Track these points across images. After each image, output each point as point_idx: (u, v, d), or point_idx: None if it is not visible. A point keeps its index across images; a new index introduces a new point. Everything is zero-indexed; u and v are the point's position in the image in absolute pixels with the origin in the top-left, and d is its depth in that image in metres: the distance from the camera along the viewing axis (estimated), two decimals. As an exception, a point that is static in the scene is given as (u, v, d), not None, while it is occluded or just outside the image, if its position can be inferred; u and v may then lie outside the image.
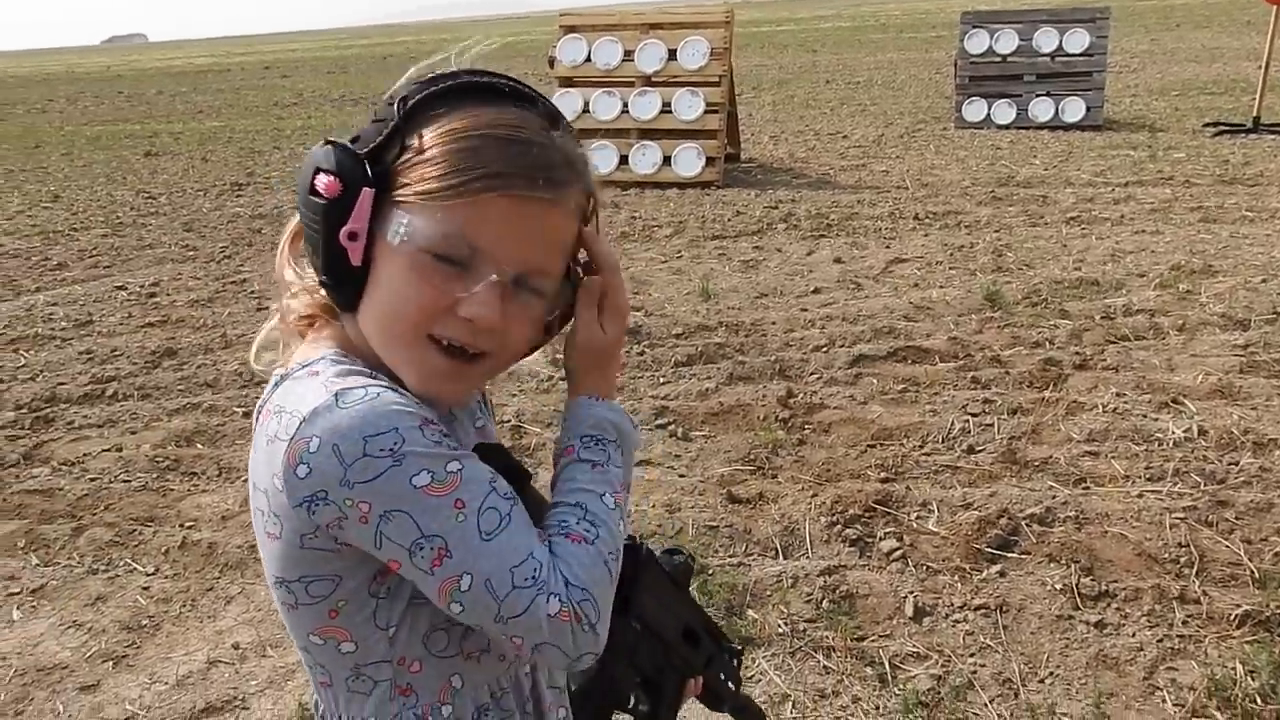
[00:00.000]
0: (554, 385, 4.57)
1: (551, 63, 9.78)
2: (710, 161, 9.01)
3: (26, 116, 22.10)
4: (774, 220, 7.56)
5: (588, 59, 9.49)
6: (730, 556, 3.14)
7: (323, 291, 1.01)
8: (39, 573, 3.29)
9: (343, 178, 0.93)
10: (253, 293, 6.37)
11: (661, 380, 4.56)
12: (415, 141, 0.94)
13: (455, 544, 0.90)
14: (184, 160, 12.89)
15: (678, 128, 9.12)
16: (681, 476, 3.65)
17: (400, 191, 0.94)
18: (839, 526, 3.24)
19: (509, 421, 4.14)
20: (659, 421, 4.09)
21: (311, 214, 0.95)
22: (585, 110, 9.36)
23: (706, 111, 9.08)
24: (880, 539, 3.19)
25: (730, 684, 1.43)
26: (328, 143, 0.95)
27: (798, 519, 3.30)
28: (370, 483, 0.89)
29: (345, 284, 0.97)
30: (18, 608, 3.12)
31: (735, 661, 1.44)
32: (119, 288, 6.70)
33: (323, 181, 0.93)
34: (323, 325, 1.03)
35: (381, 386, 0.94)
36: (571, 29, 9.64)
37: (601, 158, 9.17)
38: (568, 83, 9.62)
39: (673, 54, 9.21)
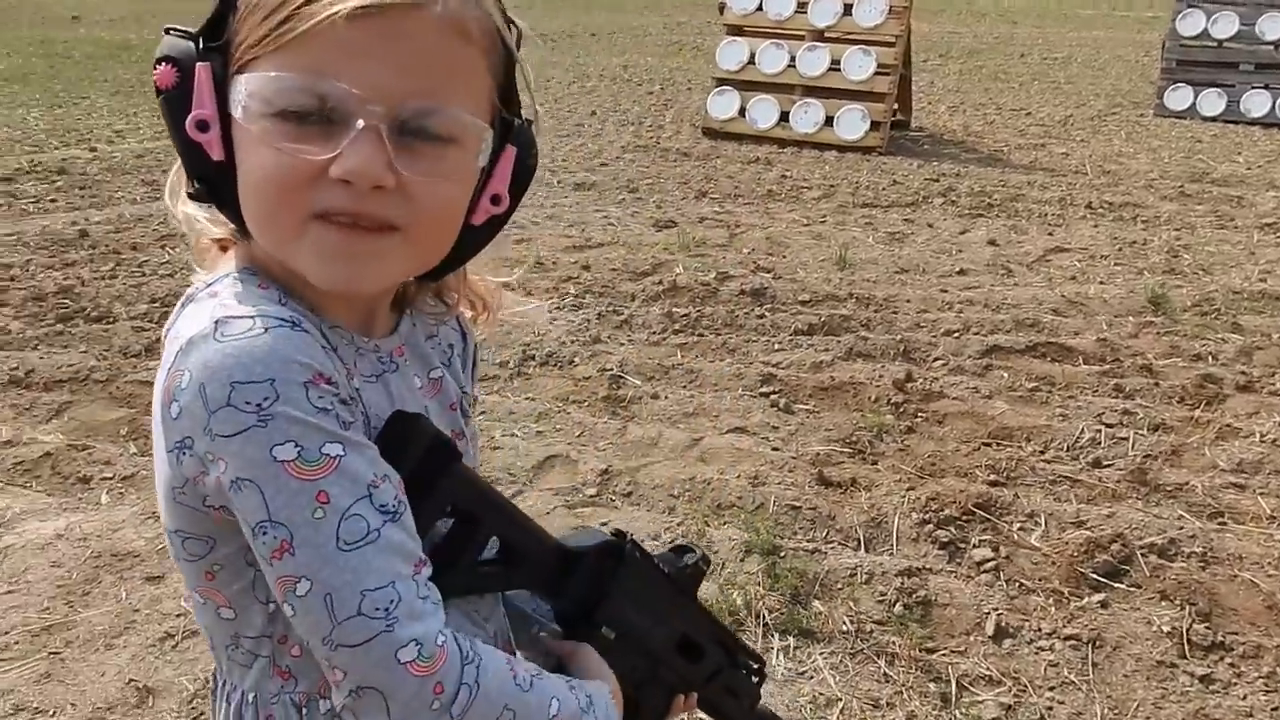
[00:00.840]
0: (665, 338, 4.42)
1: (721, 9, 9.51)
2: (875, 126, 8.60)
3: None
4: (931, 194, 7.15)
5: (759, 8, 9.18)
6: (807, 541, 2.94)
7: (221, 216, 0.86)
8: (133, 461, 3.37)
9: (176, 62, 0.79)
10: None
11: (776, 347, 4.35)
12: None
13: (303, 541, 0.76)
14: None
15: (845, 87, 8.73)
16: (775, 450, 3.45)
17: (238, 58, 0.79)
18: (931, 526, 3.00)
19: (610, 370, 4.01)
20: (763, 389, 3.90)
21: (165, 119, 0.81)
22: (750, 61, 9.08)
23: (877, 73, 8.66)
24: (974, 545, 2.93)
25: (741, 701, 1.26)
26: (165, 31, 0.81)
27: (888, 511, 3.07)
28: (229, 439, 0.75)
29: (218, 188, 0.82)
30: (107, 492, 3.21)
31: (755, 678, 1.27)
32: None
33: (158, 72, 0.80)
34: (235, 245, 0.89)
35: (279, 320, 0.79)
36: (747, -24, 9.33)
37: (760, 112, 8.89)
38: (736, 31, 9.34)
39: (848, 9, 8.80)
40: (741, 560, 2.83)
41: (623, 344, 4.36)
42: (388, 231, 0.80)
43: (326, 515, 0.76)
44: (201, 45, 0.80)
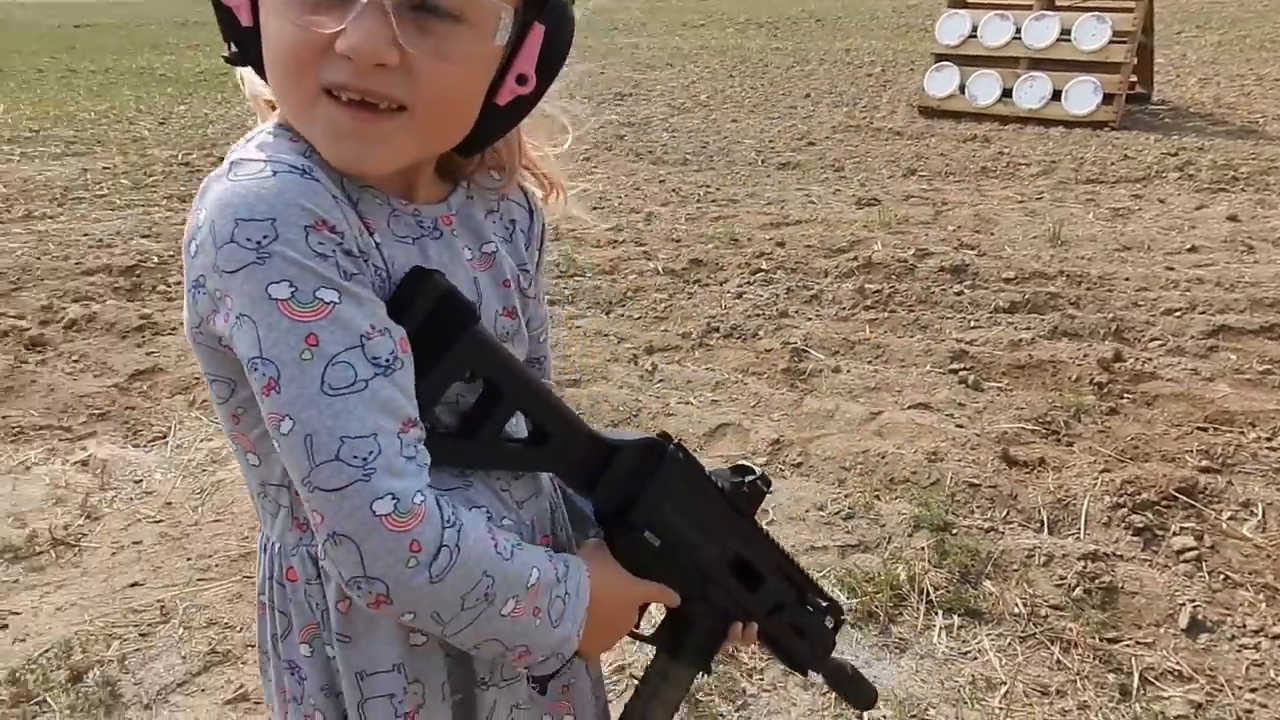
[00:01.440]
0: (854, 314, 4.29)
1: (945, -17, 9.13)
2: (1108, 99, 8.00)
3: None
4: (1166, 169, 6.59)
5: (985, -23, 8.74)
6: (983, 520, 2.78)
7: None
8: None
9: None
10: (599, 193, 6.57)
11: (972, 324, 4.13)
12: None
13: (289, 380, 0.77)
14: (584, 68, 13.56)
15: (1075, 58, 8.18)
16: (959, 427, 3.28)
17: None
18: (1125, 510, 2.76)
19: (793, 344, 3.94)
20: (953, 366, 3.71)
21: None
22: (972, 34, 8.67)
23: (1112, 41, 8.06)
24: (1174, 533, 2.68)
25: (812, 645, 1.19)
26: None
27: (1077, 494, 2.86)
28: (232, 274, 0.78)
29: (248, 52, 0.85)
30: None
31: (831, 622, 1.20)
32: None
33: None
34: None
35: (289, 166, 0.80)
36: (972, -55, 8.90)
37: (981, 87, 8.48)
38: (959, 3, 8.94)
39: (1083, -26, 8.25)
40: (910, 535, 2.71)
41: (809, 319, 4.27)
42: (395, 113, 0.81)
43: (313, 358, 0.77)
44: None
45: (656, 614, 1.11)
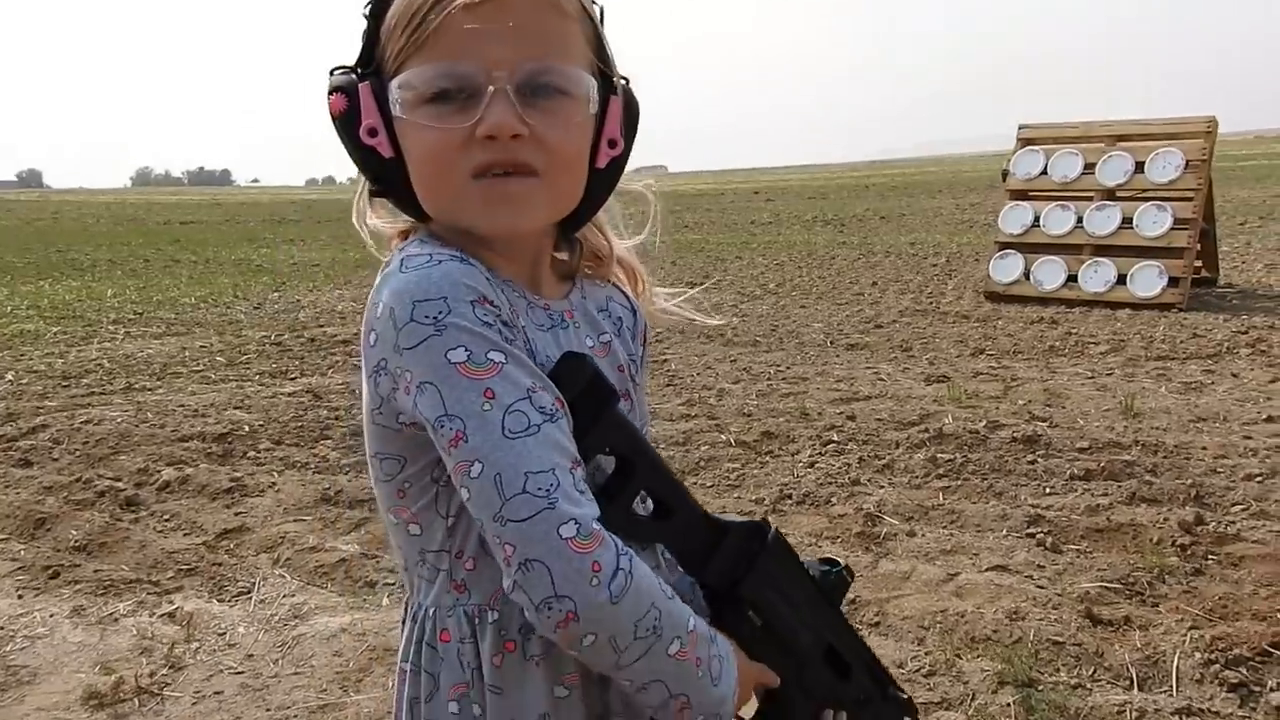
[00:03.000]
0: (927, 482, 4.30)
1: (1004, 176, 9.46)
2: (1174, 282, 8.10)
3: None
4: (1237, 345, 6.60)
5: (1044, 172, 9.06)
6: (1070, 677, 2.71)
7: (400, 216, 1.05)
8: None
9: (343, 89, 0.98)
10: (669, 372, 6.74)
11: (1047, 491, 4.11)
12: (384, 24, 0.97)
13: (475, 429, 0.89)
14: (656, 262, 14.05)
15: (1138, 244, 8.35)
16: (1039, 588, 3.23)
17: (389, 70, 0.97)
18: (1218, 666, 2.67)
19: (866, 510, 3.95)
20: (1030, 530, 3.68)
21: (341, 139, 1.00)
22: (1035, 224, 8.91)
23: (1174, 228, 8.22)
24: (1271, 689, 2.58)
25: None
26: (330, 72, 1.01)
27: (1166, 650, 2.78)
28: (413, 349, 0.91)
29: (393, 182, 1.00)
30: (388, 595, 3.49)
31: (906, 718, 1.22)
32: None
33: (330, 102, 0.99)
34: (415, 229, 1.06)
35: (450, 255, 0.95)
36: (1029, 141, 9.27)
37: (1046, 273, 8.64)
38: (1020, 195, 9.24)
39: (1140, 167, 8.51)
40: (994, 692, 2.65)
41: (882, 486, 4.28)
42: (531, 175, 0.96)
43: (493, 408, 0.89)
44: (360, 72, 1.00)
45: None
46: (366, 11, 1.00)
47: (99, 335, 8.38)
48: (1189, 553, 3.42)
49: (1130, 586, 3.22)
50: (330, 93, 1.00)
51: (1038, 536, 3.62)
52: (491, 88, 0.93)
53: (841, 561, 1.15)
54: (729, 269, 12.93)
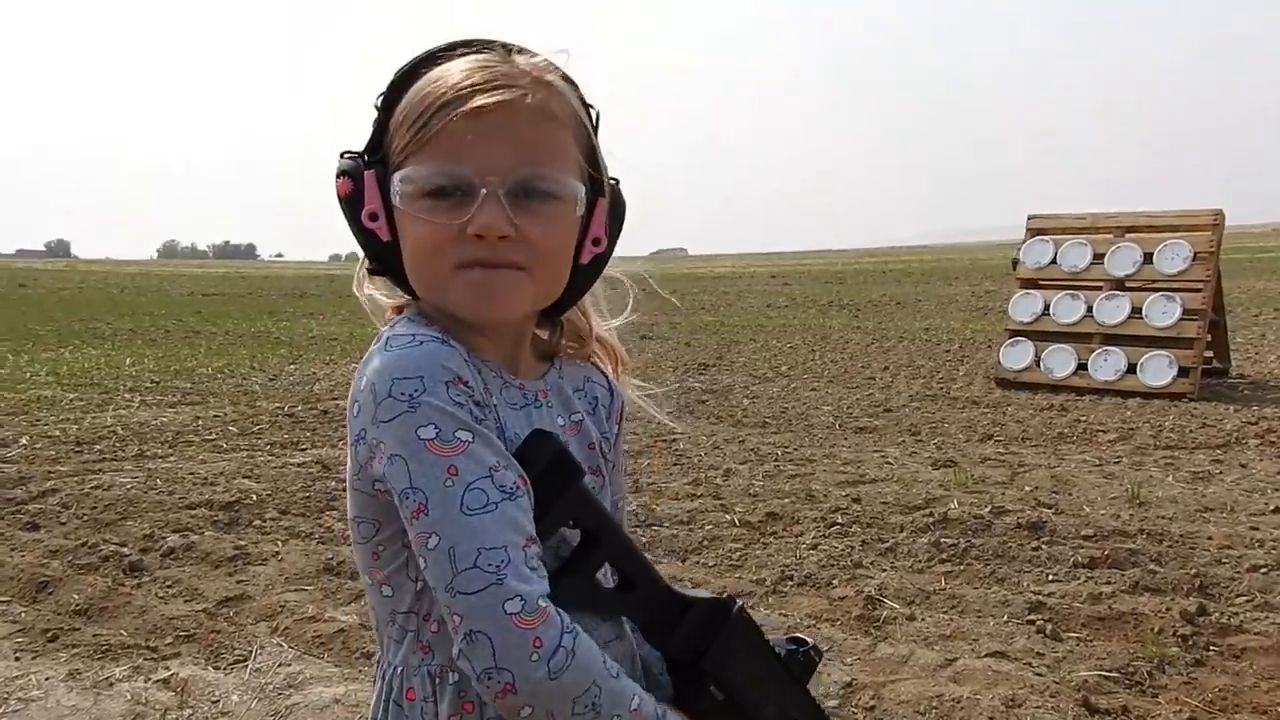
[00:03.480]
0: (929, 566, 4.28)
1: (1014, 264, 9.55)
2: (1184, 372, 8.11)
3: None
4: (1247, 436, 6.58)
5: (1053, 261, 9.14)
6: (1064, 767, 2.68)
7: (397, 291, 1.11)
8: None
9: (350, 174, 1.06)
10: (676, 451, 6.76)
11: (1050, 578, 4.08)
12: (393, 118, 1.04)
13: (435, 504, 0.94)
14: (670, 343, 14.17)
15: (1148, 334, 8.38)
16: (1038, 675, 3.20)
17: (393, 162, 1.04)
18: (1215, 762, 2.64)
19: (867, 593, 3.93)
20: (1030, 617, 3.65)
21: (346, 219, 1.07)
22: (1045, 312, 8.97)
23: (1183, 318, 8.26)
24: (1269, 788, 2.54)
25: None
26: (340, 155, 1.08)
27: (1163, 743, 2.74)
28: (389, 423, 0.96)
29: (389, 263, 1.07)
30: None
31: None
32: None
33: (337, 184, 1.06)
34: (407, 307, 1.12)
35: (432, 337, 1.01)
36: (1039, 231, 9.38)
37: (1056, 361, 8.67)
38: (1030, 284, 9.32)
39: (1148, 257, 8.58)
40: (987, 780, 2.61)
41: (884, 570, 4.26)
42: (515, 270, 1.02)
43: (455, 485, 0.94)
44: (366, 159, 1.07)
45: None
46: (379, 104, 1.07)
47: (114, 403, 8.47)
48: (1190, 643, 3.39)
49: (1130, 676, 3.18)
50: (338, 175, 1.07)
51: (1038, 623, 3.59)
52: (484, 190, 1.00)
53: (810, 640, 1.17)
54: (743, 350, 13.00)
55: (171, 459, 6.38)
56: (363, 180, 1.05)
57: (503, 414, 1.05)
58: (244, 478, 5.83)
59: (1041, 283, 9.28)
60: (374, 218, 1.05)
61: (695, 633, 1.08)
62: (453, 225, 1.00)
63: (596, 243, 1.09)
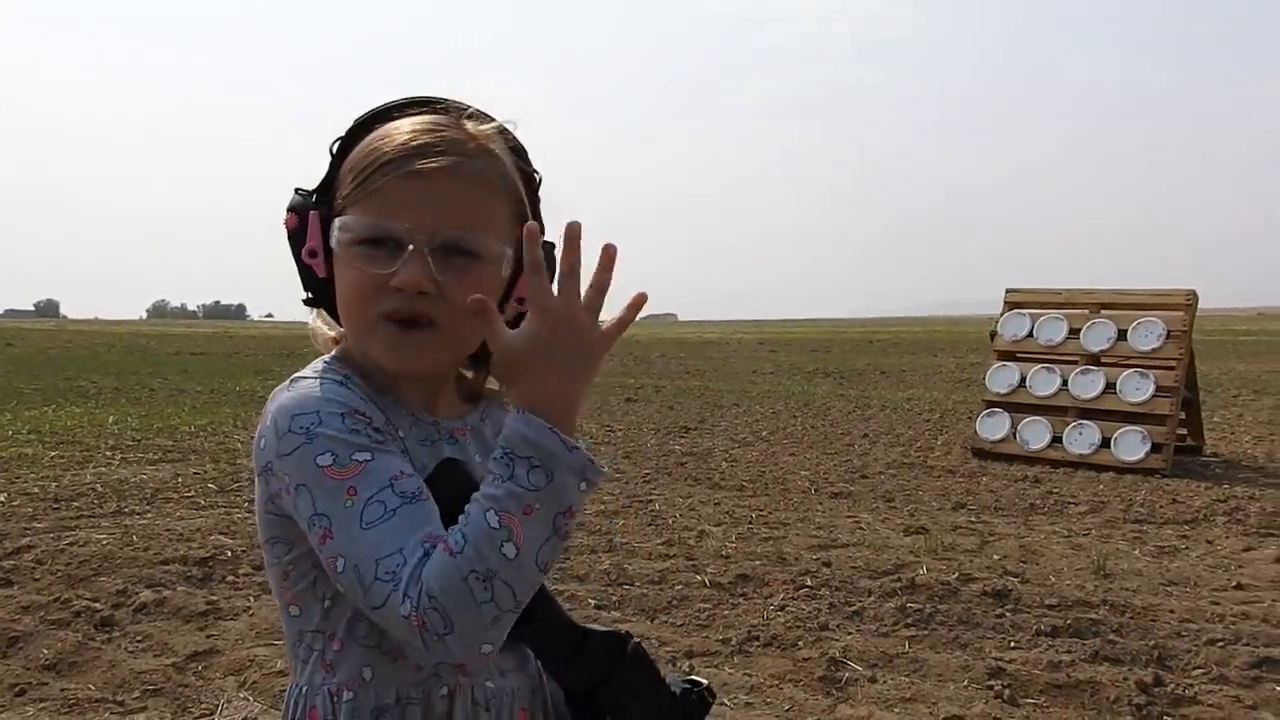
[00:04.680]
0: (895, 630, 4.33)
1: (993, 336, 9.71)
2: (1157, 448, 8.22)
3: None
4: (1215, 513, 6.66)
5: (1030, 334, 9.30)
6: (1013, 831, 2.71)
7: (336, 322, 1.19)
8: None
9: (297, 211, 1.15)
10: (652, 512, 6.81)
11: (1012, 645, 4.14)
12: (344, 166, 1.14)
13: (338, 527, 1.00)
14: (654, 406, 14.25)
15: (1122, 409, 8.50)
16: (993, 741, 3.25)
17: (337, 207, 1.13)
18: (1159, 827, 2.68)
19: (831, 655, 3.97)
20: (990, 682, 3.70)
21: (291, 251, 1.16)
22: (1021, 384, 9.10)
23: (1156, 394, 8.39)
24: None
25: None
26: (295, 191, 1.17)
27: (1110, 809, 2.78)
28: (289, 456, 1.03)
29: (323, 298, 1.16)
30: None
31: None
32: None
33: (286, 218, 1.15)
34: (342, 340, 1.21)
35: (331, 378, 1.09)
36: (1016, 305, 9.55)
37: (1032, 433, 8.78)
38: (1008, 356, 9.46)
39: (1123, 334, 8.75)
40: (937, 842, 2.65)
41: (850, 633, 4.31)
42: (430, 326, 1.09)
43: (354, 504, 1.00)
44: (315, 199, 1.16)
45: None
46: (333, 149, 1.16)
47: (95, 460, 8.48)
48: (1144, 712, 3.44)
49: (1083, 743, 3.23)
50: (288, 210, 1.16)
51: (996, 689, 3.64)
52: (411, 246, 1.07)
53: (705, 681, 1.21)
54: (725, 415, 13.08)
55: (149, 515, 6.40)
56: (308, 218, 1.14)
57: (410, 448, 1.12)
58: (220, 534, 5.85)
59: (1019, 355, 9.43)
60: (313, 254, 1.14)
61: (593, 664, 1.14)
62: (380, 275, 1.07)
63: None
